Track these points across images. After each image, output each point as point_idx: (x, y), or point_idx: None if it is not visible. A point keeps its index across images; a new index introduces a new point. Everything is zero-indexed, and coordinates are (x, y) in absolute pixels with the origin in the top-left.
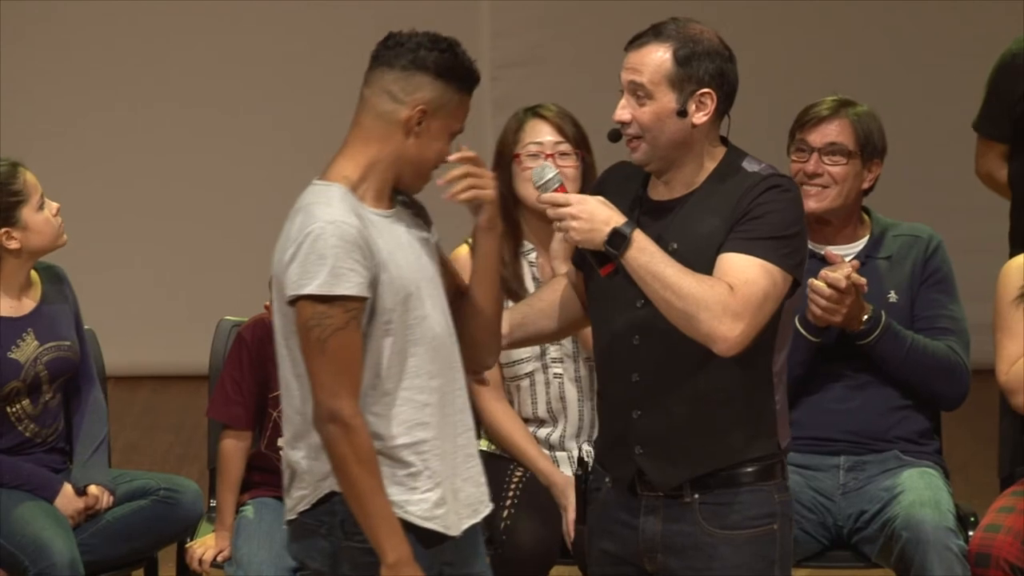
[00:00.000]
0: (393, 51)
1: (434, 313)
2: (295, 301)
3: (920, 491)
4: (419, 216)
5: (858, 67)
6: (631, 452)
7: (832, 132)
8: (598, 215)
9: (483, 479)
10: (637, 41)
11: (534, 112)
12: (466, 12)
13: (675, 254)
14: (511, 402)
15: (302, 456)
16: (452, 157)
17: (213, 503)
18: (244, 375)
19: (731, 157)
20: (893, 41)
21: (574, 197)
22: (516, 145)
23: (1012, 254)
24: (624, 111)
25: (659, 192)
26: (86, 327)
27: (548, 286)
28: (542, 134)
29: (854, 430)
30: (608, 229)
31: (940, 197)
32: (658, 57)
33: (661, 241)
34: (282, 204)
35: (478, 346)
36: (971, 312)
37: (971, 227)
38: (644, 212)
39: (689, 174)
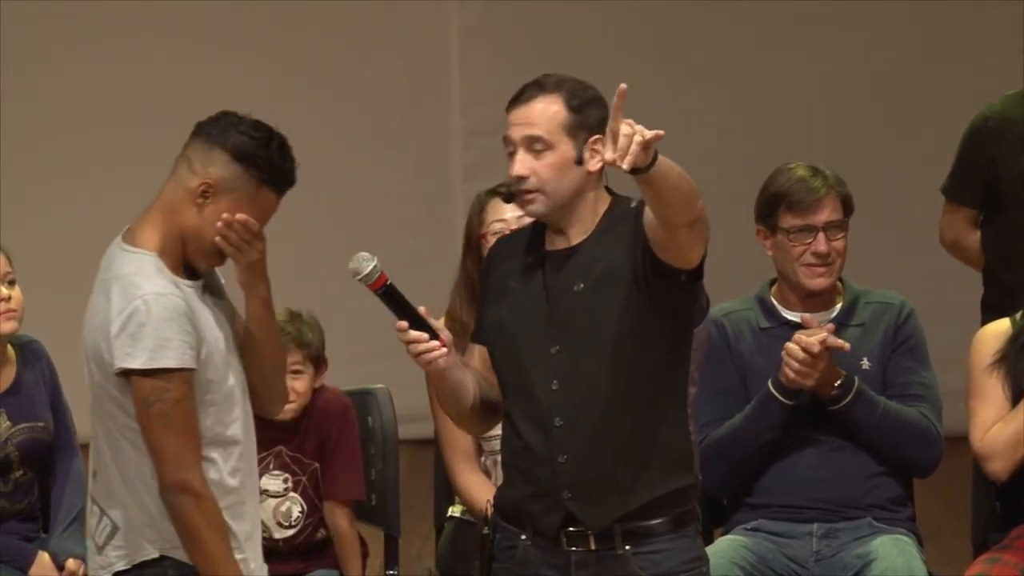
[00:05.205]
0: (210, 125)
1: (238, 379)
2: (125, 374)
3: (893, 558)
4: (214, 282)
5: (827, 133)
6: (559, 498)
7: (828, 209)
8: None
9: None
10: (523, 96)
11: (494, 192)
12: (437, 81)
13: (581, 293)
14: (487, 474)
15: (121, 515)
16: (222, 218)
17: None
18: None
19: (618, 199)
20: (863, 105)
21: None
22: (481, 226)
23: (984, 321)
24: (521, 166)
25: (557, 243)
26: None
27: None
28: (504, 211)
29: (827, 498)
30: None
31: (912, 264)
32: (551, 109)
33: (568, 284)
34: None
35: (258, 395)
36: (943, 379)
37: (943, 294)
38: (549, 265)
39: (586, 220)
